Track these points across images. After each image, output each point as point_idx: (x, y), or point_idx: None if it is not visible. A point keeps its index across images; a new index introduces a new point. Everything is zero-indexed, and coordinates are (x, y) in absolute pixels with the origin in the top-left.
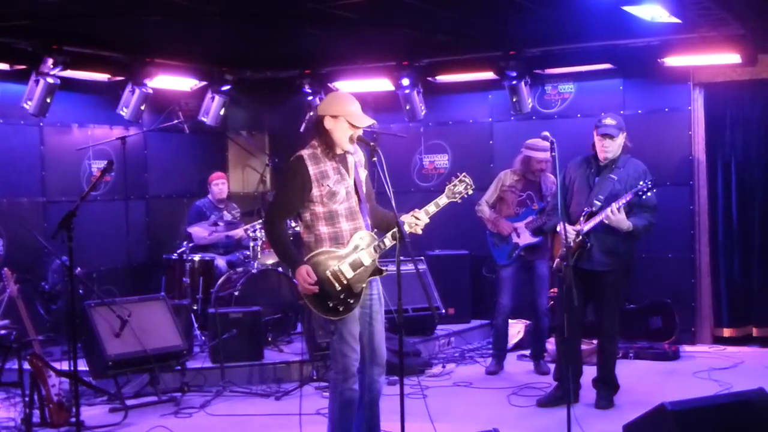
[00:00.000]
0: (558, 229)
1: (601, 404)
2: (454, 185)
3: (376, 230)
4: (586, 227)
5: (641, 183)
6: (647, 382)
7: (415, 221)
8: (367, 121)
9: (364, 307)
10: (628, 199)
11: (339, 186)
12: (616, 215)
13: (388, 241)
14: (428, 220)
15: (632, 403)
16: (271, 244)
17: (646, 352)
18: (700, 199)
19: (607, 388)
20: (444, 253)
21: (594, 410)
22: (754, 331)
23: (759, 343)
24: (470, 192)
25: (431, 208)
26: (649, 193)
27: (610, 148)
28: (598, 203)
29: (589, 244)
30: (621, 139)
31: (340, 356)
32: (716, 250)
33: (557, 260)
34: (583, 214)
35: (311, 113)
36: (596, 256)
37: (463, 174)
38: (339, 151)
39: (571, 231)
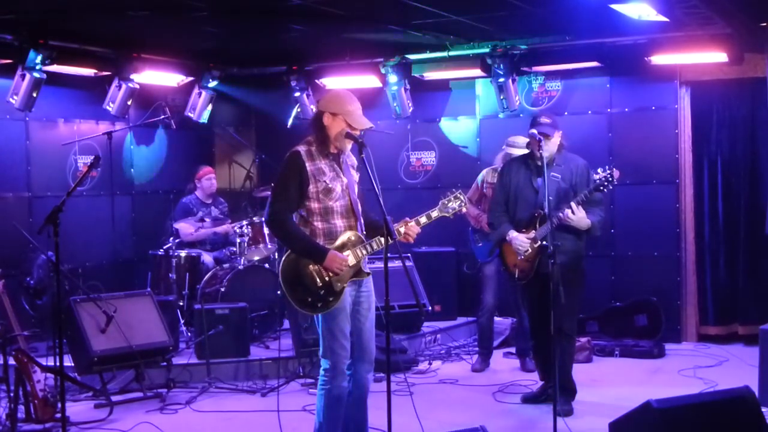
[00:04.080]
0: (508, 237)
1: (564, 410)
2: (449, 200)
3: (364, 234)
4: (542, 231)
5: (598, 177)
6: (633, 379)
7: (406, 230)
8: (365, 123)
9: (354, 304)
10: (587, 195)
11: (335, 183)
12: (577, 214)
13: (379, 244)
14: (419, 230)
15: (618, 401)
16: (285, 242)
17: (631, 350)
18: (686, 198)
19: (567, 394)
20: (431, 250)
21: (580, 408)
22: (740, 330)
23: (744, 341)
24: (464, 210)
25: (423, 219)
26: (610, 186)
27: (546, 148)
28: (548, 205)
29: (551, 248)
30: (557, 137)
31: (330, 353)
32: (702, 249)
33: (515, 269)
34: (536, 216)
35: (298, 109)
36: (558, 257)
37: (459, 191)
38: (333, 150)
39: (524, 239)
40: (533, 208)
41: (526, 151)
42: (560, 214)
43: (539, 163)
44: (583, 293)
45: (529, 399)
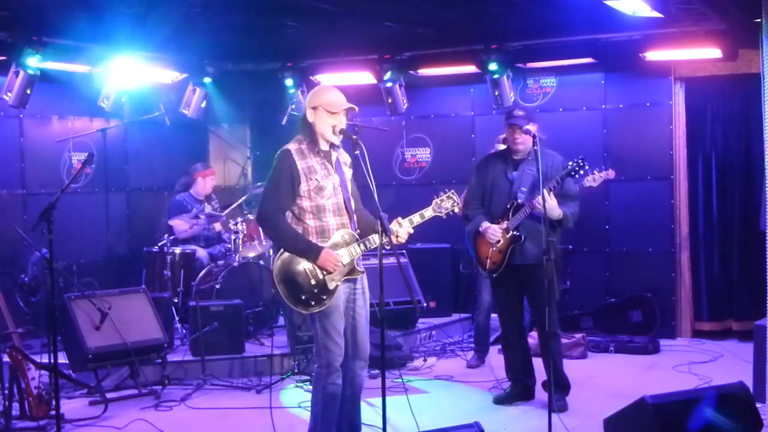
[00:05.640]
0: (481, 228)
1: (559, 405)
2: (442, 200)
3: (359, 232)
4: (515, 221)
5: (571, 162)
6: (627, 375)
7: (397, 229)
8: (342, 105)
9: (348, 301)
10: (558, 180)
11: (326, 181)
12: (548, 201)
13: (372, 242)
14: (412, 230)
15: (612, 397)
16: (277, 241)
17: (626, 346)
18: (680, 194)
19: (560, 389)
20: (425, 246)
21: (574, 404)
22: (734, 325)
23: (738, 336)
24: (456, 210)
25: (416, 218)
26: (581, 171)
27: (520, 140)
28: (522, 195)
29: (523, 238)
30: (531, 129)
31: (324, 351)
32: (696, 244)
33: (488, 262)
34: (508, 207)
35: (293, 106)
36: (530, 249)
37: (452, 191)
38: (324, 147)
39: (497, 229)
40: (507, 199)
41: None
42: (532, 201)
43: (515, 158)
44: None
45: (501, 400)
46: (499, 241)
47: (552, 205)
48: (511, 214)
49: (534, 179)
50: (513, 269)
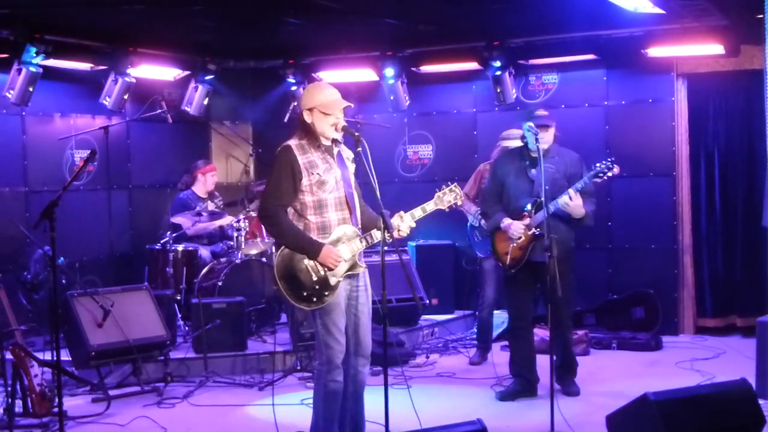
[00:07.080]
0: (503, 225)
1: (573, 391)
2: (444, 193)
3: (360, 227)
4: (536, 219)
5: (599, 165)
6: (630, 372)
7: (399, 223)
8: (338, 105)
9: (350, 298)
10: (586, 181)
11: (328, 175)
12: (575, 200)
13: (374, 238)
14: (414, 224)
15: (615, 394)
16: (279, 238)
17: (628, 343)
18: (682, 190)
19: (571, 373)
20: (428, 243)
21: (575, 401)
22: (738, 321)
23: (742, 333)
24: (459, 203)
25: (418, 212)
26: (609, 174)
27: (545, 139)
28: (543, 194)
29: (546, 235)
30: (553, 129)
31: (325, 348)
32: (699, 241)
33: (506, 257)
34: (531, 204)
35: (294, 103)
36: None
37: (454, 184)
38: (326, 142)
39: (520, 225)
40: (529, 197)
41: (521, 143)
42: (558, 201)
43: (533, 155)
44: (574, 283)
45: (504, 396)
46: (520, 238)
47: (578, 204)
48: (534, 212)
49: (554, 177)
50: (531, 266)
